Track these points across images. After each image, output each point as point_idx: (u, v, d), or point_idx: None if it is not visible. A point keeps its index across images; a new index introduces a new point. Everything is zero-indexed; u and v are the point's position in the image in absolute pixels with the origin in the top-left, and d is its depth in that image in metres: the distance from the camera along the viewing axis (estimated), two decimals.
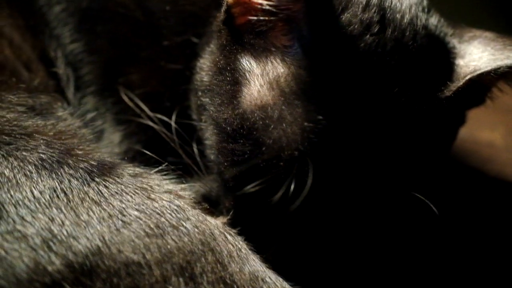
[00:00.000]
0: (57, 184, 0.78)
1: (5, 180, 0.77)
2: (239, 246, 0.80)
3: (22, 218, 0.74)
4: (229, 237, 0.80)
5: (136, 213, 0.77)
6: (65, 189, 0.77)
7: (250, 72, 0.85)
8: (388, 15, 0.85)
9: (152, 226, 0.77)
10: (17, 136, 0.81)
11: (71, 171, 0.79)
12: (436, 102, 0.84)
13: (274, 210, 0.85)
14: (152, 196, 0.80)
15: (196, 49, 0.96)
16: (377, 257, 0.99)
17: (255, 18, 0.83)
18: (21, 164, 0.78)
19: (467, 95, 0.86)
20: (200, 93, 0.91)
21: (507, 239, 1.05)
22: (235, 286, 0.76)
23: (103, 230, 0.75)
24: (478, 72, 0.85)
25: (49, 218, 0.75)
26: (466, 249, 1.04)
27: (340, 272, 0.98)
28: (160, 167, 0.86)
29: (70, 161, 0.80)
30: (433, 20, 0.90)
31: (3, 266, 0.71)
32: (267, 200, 0.84)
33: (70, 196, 0.77)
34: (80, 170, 0.79)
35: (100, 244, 0.74)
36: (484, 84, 0.88)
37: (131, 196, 0.79)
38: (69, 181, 0.78)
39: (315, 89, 0.81)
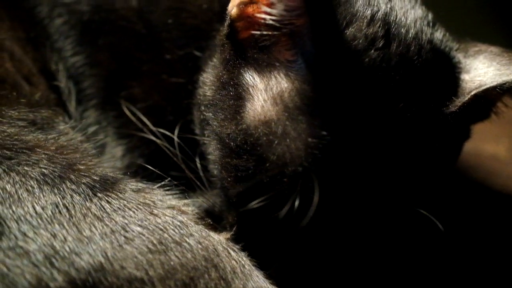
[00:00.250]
0: (59, 199, 0.77)
1: (7, 196, 0.76)
2: (243, 262, 0.80)
3: (24, 234, 0.74)
4: (232, 253, 0.80)
5: (138, 228, 0.77)
6: (67, 205, 0.77)
7: (253, 87, 0.84)
8: (393, 29, 0.85)
9: (155, 242, 0.76)
10: (18, 150, 0.80)
11: (73, 186, 0.79)
12: (441, 117, 0.84)
13: (278, 226, 0.84)
14: (155, 211, 0.80)
15: (198, 63, 0.96)
16: (382, 273, 0.99)
17: (258, 32, 0.83)
18: (23, 179, 0.78)
19: (472, 110, 0.86)
20: (203, 108, 0.90)
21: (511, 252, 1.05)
22: None
23: (106, 246, 0.74)
24: (484, 87, 0.84)
25: (51, 234, 0.74)
26: (471, 263, 1.03)
27: None
28: (162, 182, 0.86)
29: (72, 176, 0.80)
30: (438, 35, 0.90)
31: (5, 283, 0.71)
32: (271, 216, 0.83)
33: (72, 212, 0.77)
34: (82, 185, 0.79)
35: (102, 260, 0.73)
36: (489, 99, 0.88)
37: (133, 212, 0.79)
38: (71, 196, 0.78)
39: (319, 105, 0.80)
